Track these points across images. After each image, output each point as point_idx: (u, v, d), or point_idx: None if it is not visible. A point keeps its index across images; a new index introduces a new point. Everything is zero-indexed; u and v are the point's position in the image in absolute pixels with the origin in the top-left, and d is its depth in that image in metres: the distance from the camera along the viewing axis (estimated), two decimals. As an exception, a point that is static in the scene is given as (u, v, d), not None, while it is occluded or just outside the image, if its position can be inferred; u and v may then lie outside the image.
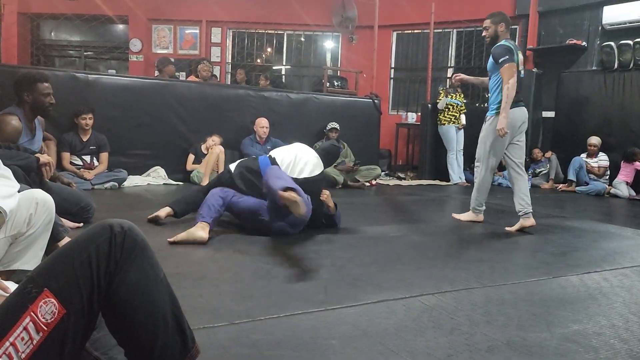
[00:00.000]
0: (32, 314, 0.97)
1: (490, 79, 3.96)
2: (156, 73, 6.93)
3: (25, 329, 0.97)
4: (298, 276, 2.28)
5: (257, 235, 3.09)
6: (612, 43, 7.08)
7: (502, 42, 3.83)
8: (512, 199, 3.81)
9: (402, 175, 7.72)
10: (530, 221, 3.71)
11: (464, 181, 7.18)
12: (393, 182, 7.17)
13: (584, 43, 7.50)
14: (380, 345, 1.56)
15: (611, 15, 7.19)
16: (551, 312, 1.94)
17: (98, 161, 5.10)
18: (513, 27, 8.49)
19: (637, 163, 6.53)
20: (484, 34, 4.00)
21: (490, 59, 3.87)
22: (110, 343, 1.18)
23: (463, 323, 1.78)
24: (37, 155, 2.81)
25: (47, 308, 0.99)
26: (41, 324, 0.98)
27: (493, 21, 3.91)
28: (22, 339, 0.97)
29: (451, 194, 6.16)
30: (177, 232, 3.08)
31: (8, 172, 1.61)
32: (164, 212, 3.35)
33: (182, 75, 8.21)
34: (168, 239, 2.79)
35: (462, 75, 4.29)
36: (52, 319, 0.99)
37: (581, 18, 7.61)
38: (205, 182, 5.51)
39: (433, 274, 2.42)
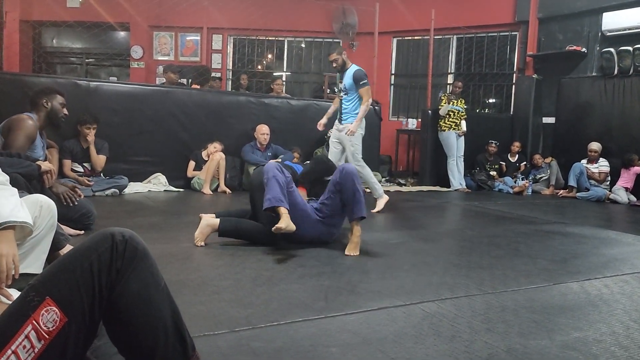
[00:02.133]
0: (33, 322, 0.98)
1: (347, 94, 4.91)
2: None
3: (27, 337, 0.97)
4: (298, 283, 2.28)
5: (259, 242, 3.09)
6: (611, 49, 7.10)
7: (357, 67, 4.88)
8: (511, 205, 3.80)
9: (402, 182, 7.72)
10: (384, 199, 4.99)
11: (465, 187, 7.19)
12: (393, 188, 7.17)
13: (583, 49, 7.53)
14: (380, 353, 1.57)
15: (611, 21, 7.22)
16: (552, 319, 1.94)
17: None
18: (513, 33, 8.55)
19: (636, 167, 6.53)
20: (334, 65, 4.91)
21: (351, 80, 4.83)
22: (111, 351, 1.19)
23: (463, 330, 1.78)
24: (38, 162, 2.83)
25: (49, 316, 0.99)
26: (43, 332, 0.98)
27: (338, 52, 4.90)
28: (24, 347, 0.97)
29: (452, 200, 6.16)
30: (178, 238, 3.10)
31: (5, 177, 1.62)
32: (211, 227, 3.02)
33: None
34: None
35: (321, 122, 5.21)
36: (54, 327, 0.99)
37: (581, 24, 7.64)
38: (206, 189, 5.53)
39: (433, 281, 2.42)
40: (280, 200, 2.82)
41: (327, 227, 3.12)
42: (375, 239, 3.42)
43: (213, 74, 7.28)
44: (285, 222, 2.74)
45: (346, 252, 2.90)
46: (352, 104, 4.93)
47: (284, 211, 2.80)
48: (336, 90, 5.17)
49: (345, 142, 4.92)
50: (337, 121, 5.09)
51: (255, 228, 3.04)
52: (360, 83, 4.82)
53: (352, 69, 4.88)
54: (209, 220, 3.00)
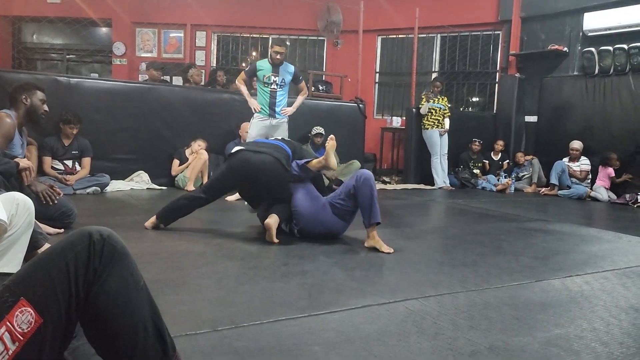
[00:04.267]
0: (7, 323, 0.96)
1: (282, 88, 5.16)
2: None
3: (0, 339, 0.95)
4: (282, 282, 2.27)
5: (241, 239, 3.08)
6: (592, 49, 7.20)
7: (289, 64, 5.23)
8: (494, 203, 3.83)
9: (387, 180, 7.74)
10: None
11: (449, 185, 7.23)
12: (378, 186, 7.17)
13: (565, 49, 7.61)
14: (363, 351, 1.56)
15: (592, 21, 7.31)
16: (533, 315, 1.96)
17: (80, 166, 5.04)
18: (496, 32, 8.62)
19: (610, 169, 6.64)
20: (278, 57, 5.01)
21: (290, 76, 5.17)
22: (90, 352, 1.16)
23: (446, 328, 1.79)
24: (16, 160, 2.78)
25: (24, 317, 0.97)
26: (17, 334, 0.96)
27: (285, 48, 5.13)
28: (-3, 349, 0.95)
29: (435, 197, 6.19)
30: (160, 237, 3.06)
31: None
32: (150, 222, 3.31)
33: (177, 80, 8.16)
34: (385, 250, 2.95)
35: (288, 110, 5.32)
36: (29, 329, 0.97)
37: (563, 24, 7.72)
38: (190, 187, 5.48)
39: (417, 279, 2.43)
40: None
41: (342, 221, 3.20)
42: (358, 236, 3.41)
43: (194, 66, 7.21)
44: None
45: (384, 250, 2.96)
46: (285, 98, 5.24)
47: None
48: (266, 83, 5.10)
49: (282, 133, 5.18)
50: (264, 116, 5.15)
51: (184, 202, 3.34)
52: (300, 78, 5.29)
53: (290, 66, 5.21)
54: (274, 219, 3.07)
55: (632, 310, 2.09)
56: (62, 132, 4.92)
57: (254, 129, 5.16)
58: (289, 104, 5.37)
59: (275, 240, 3.02)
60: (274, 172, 3.16)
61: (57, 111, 4.82)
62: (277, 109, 5.15)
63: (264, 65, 5.11)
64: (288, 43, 5.50)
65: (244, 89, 5.23)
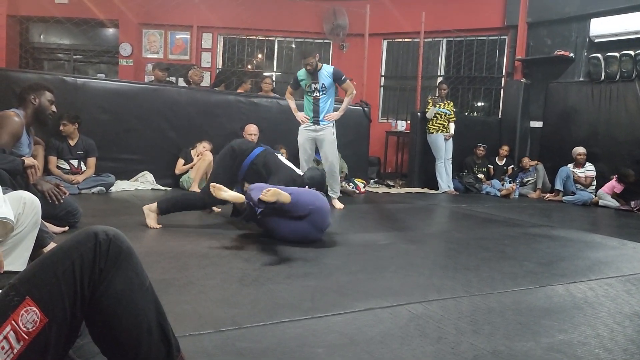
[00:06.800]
0: (13, 322, 0.96)
1: (325, 93, 5.05)
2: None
3: (5, 337, 0.95)
4: (285, 283, 2.27)
5: (245, 240, 3.09)
6: (599, 55, 7.18)
7: (329, 65, 5.16)
8: (499, 208, 3.82)
9: (391, 183, 7.73)
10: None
11: (453, 190, 7.21)
12: (382, 189, 7.19)
13: (571, 54, 7.60)
14: (366, 354, 1.56)
15: (598, 27, 7.30)
16: (537, 321, 1.95)
17: (86, 166, 5.06)
18: (502, 37, 8.61)
19: (620, 186, 6.50)
20: (308, 67, 4.97)
21: (330, 79, 5.02)
22: (94, 351, 1.17)
23: (449, 332, 1.78)
24: (22, 158, 2.79)
25: (29, 317, 0.97)
26: (22, 333, 0.96)
27: (313, 56, 4.98)
28: (3, 348, 0.95)
29: (439, 202, 6.18)
30: (164, 237, 3.07)
31: None
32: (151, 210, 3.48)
33: (181, 81, 8.17)
34: None
35: (332, 115, 5.17)
36: (34, 328, 0.97)
37: (569, 30, 7.71)
38: (194, 187, 5.50)
39: (420, 283, 2.42)
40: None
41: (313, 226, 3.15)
42: (363, 240, 3.42)
43: (194, 67, 7.23)
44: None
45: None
46: (329, 104, 5.12)
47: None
48: (308, 92, 5.12)
49: (328, 139, 5.12)
50: (309, 123, 5.17)
51: (192, 196, 3.51)
52: (342, 78, 5.05)
53: (328, 68, 5.09)
54: (150, 206, 3.41)
55: (636, 317, 2.08)
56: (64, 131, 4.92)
57: (299, 136, 5.27)
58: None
59: (157, 225, 3.33)
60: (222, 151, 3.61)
61: (64, 111, 4.85)
62: (320, 116, 5.11)
63: (302, 74, 5.14)
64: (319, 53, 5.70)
65: (291, 103, 5.32)
